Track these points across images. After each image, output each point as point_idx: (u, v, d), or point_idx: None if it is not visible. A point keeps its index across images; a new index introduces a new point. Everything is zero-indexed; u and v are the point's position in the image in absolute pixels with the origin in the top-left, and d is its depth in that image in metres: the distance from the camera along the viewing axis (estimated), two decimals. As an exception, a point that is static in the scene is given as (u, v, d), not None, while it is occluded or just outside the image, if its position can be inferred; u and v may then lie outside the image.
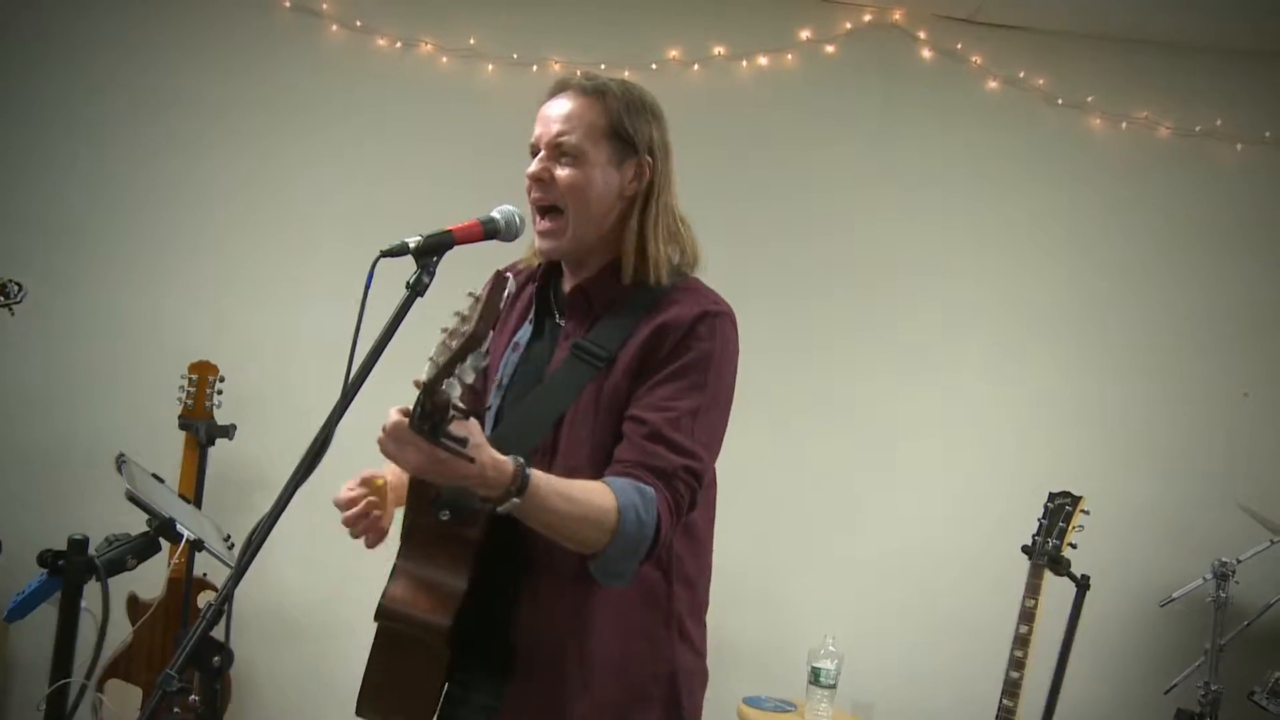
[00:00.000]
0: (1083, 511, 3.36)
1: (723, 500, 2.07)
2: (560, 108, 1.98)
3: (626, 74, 3.96)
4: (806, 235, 4.30)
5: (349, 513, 1.92)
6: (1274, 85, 4.36)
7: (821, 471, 4.26)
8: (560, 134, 1.96)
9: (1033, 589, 3.23)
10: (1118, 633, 4.17)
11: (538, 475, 1.73)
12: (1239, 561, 3.49)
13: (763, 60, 4.30)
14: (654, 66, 4.19)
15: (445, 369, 1.54)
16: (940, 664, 4.15)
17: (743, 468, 2.72)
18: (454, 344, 1.54)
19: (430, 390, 1.56)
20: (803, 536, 4.25)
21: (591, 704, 1.90)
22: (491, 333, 1.56)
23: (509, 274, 1.58)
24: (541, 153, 1.98)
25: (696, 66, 4.26)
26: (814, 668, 3.67)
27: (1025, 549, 3.27)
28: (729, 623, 3.40)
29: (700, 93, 4.23)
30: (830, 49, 4.31)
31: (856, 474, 4.27)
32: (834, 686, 3.66)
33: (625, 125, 1.98)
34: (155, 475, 2.58)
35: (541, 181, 1.96)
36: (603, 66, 4.00)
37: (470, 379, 1.57)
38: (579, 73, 2.04)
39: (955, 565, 4.16)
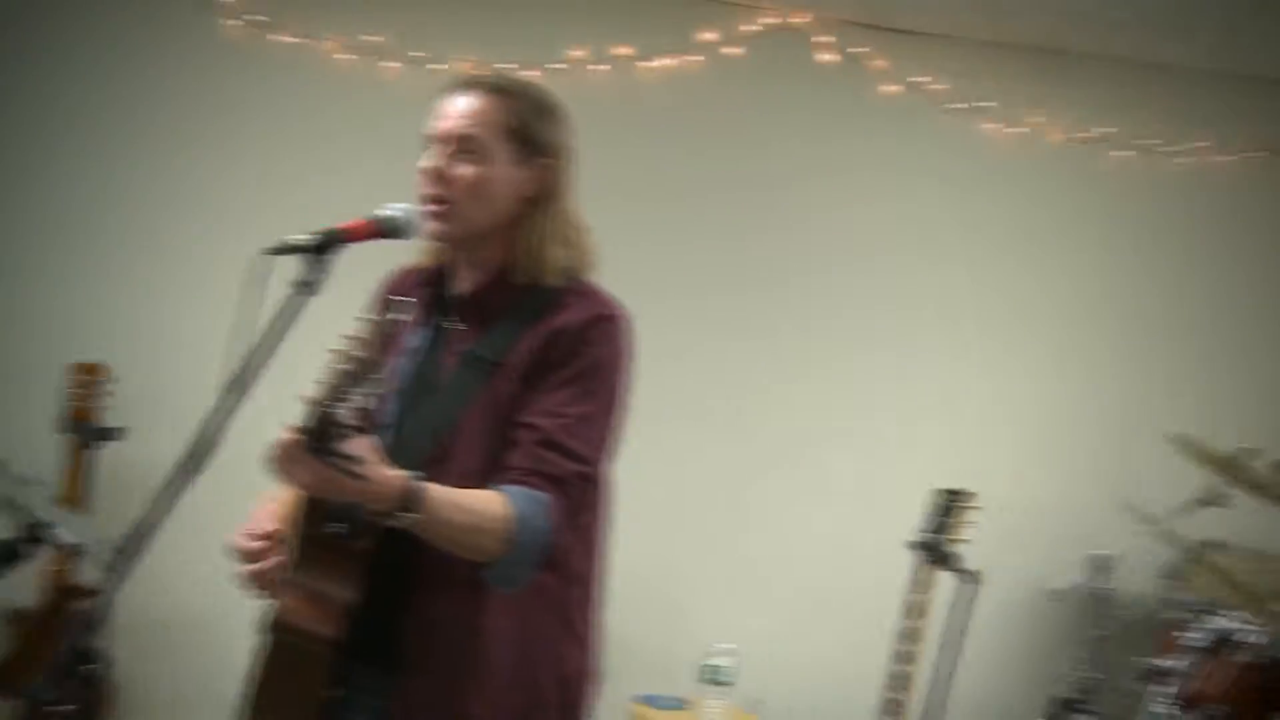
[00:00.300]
0: (973, 508, 3.42)
1: (623, 498, 2.07)
2: (464, 103, 1.95)
3: (530, 73, 3.94)
4: (713, 236, 4.34)
5: (257, 566, 1.89)
6: (1162, 96, 4.49)
7: (721, 470, 4.30)
8: (463, 129, 1.93)
9: (919, 584, 3.28)
10: (1010, 625, 4.27)
11: (430, 489, 1.74)
12: (1119, 556, 3.58)
13: (667, 61, 4.31)
14: (557, 66, 4.18)
15: (334, 391, 1.56)
16: (838, 660, 4.20)
17: (644, 466, 2.72)
18: (344, 367, 1.56)
19: (319, 410, 1.58)
20: (702, 535, 4.28)
21: (486, 709, 1.89)
22: (383, 356, 1.57)
23: (403, 297, 1.58)
24: (440, 147, 1.95)
25: (600, 67, 4.26)
26: (708, 665, 3.69)
27: (912, 545, 3.32)
28: (624, 621, 3.39)
29: (604, 93, 4.23)
30: (734, 51, 4.34)
31: (756, 472, 4.31)
32: (729, 684, 3.68)
33: (529, 126, 1.97)
34: (33, 479, 2.51)
35: (439, 177, 1.94)
36: (506, 66, 3.97)
37: (360, 402, 1.58)
38: (483, 71, 2.02)
39: (854, 562, 4.21)
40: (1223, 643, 3.19)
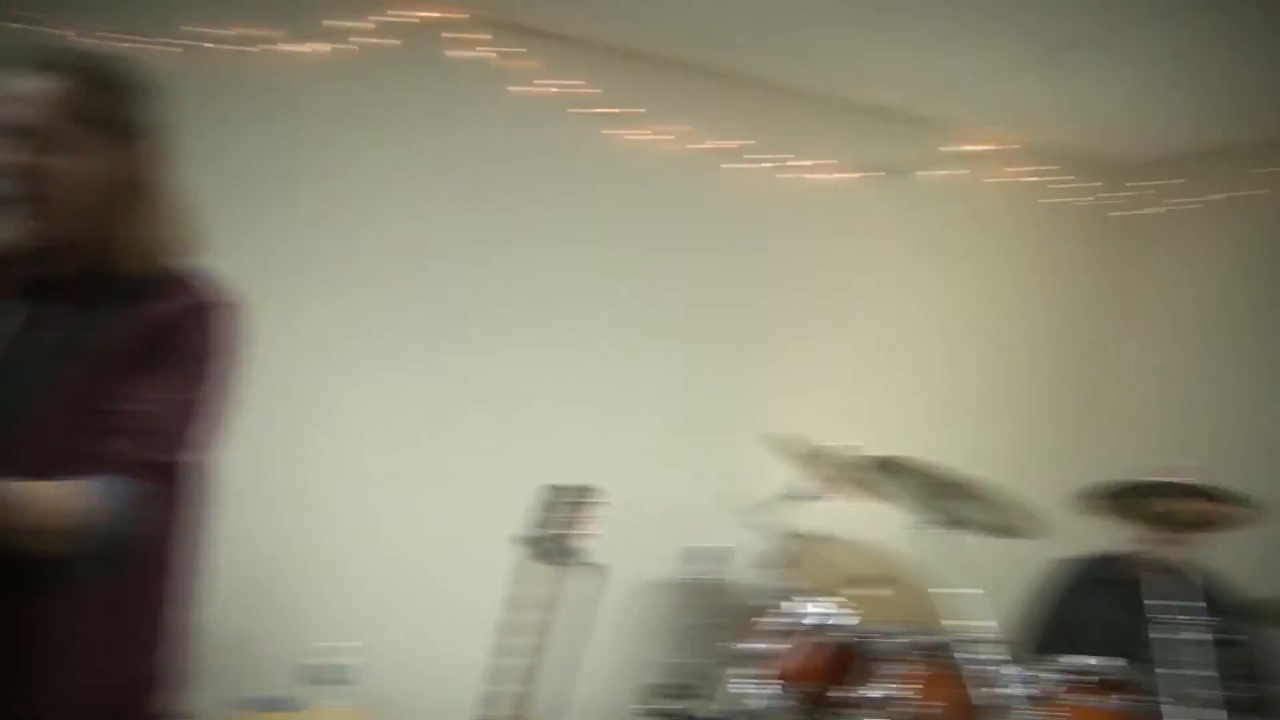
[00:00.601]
0: (594, 502, 3.52)
1: (237, 495, 2.02)
2: (37, 89, 1.82)
3: (154, 50, 3.74)
4: (342, 227, 4.26)
5: None
6: (789, 117, 4.82)
7: (339, 466, 4.23)
8: (39, 120, 1.81)
9: (530, 578, 3.34)
10: (619, 617, 4.44)
11: (3, 484, 1.65)
12: (725, 548, 3.78)
13: (308, 47, 4.18)
14: (188, 44, 3.96)
15: None
16: (464, 657, 4.22)
17: (259, 462, 2.66)
18: None
19: None
20: (321, 532, 4.18)
21: (49, 710, 1.79)
22: None
23: None
24: (14, 138, 1.81)
25: (234, 48, 4.07)
26: (327, 665, 3.64)
27: (522, 540, 3.37)
28: (236, 620, 3.32)
29: (237, 76, 4.05)
30: (380, 41, 4.26)
31: (376, 468, 4.27)
32: (350, 683, 3.64)
33: (111, 108, 1.87)
34: None
35: (20, 171, 1.81)
36: (125, 40, 3.74)
37: None
38: (57, 48, 1.90)
39: (477, 558, 4.24)
40: (814, 626, 3.44)
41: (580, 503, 3.48)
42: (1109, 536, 3.58)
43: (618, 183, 4.61)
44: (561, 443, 4.42)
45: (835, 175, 4.86)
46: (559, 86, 4.47)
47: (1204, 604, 3.07)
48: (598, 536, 3.41)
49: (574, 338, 4.56)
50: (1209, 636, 2.98)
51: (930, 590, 3.27)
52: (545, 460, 4.02)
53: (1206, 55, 4.04)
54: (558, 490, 3.52)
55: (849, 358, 4.92)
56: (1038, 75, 4.39)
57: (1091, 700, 3.00)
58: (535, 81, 4.44)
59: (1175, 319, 5.12)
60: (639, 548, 4.40)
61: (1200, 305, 5.02)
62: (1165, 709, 2.90)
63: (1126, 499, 3.24)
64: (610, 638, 4.35)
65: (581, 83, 4.49)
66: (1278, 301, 4.68)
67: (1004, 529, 3.28)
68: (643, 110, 4.58)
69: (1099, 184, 5.24)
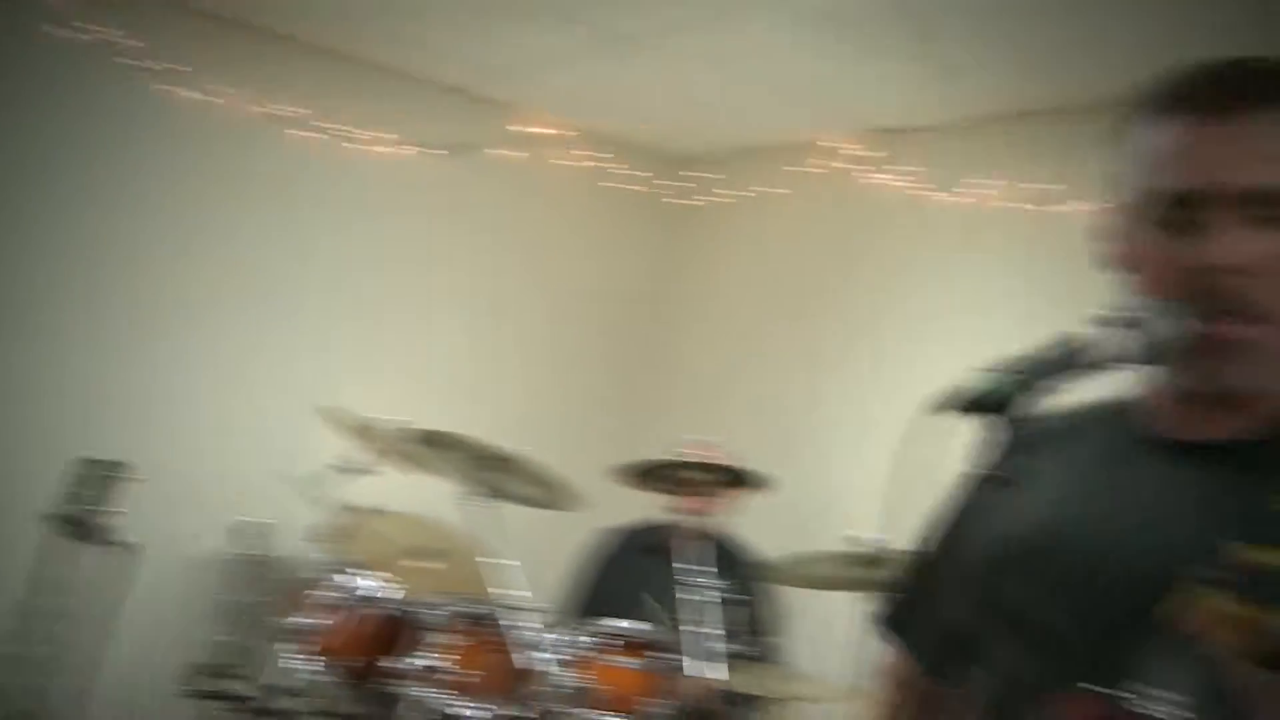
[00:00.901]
0: (129, 477, 3.35)
1: None
2: None
3: None
4: None
5: None
6: (359, 91, 4.78)
7: None
8: None
9: (57, 558, 3.16)
10: (162, 595, 4.24)
11: None
12: (268, 523, 3.73)
13: None
14: None
15: None
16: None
17: None
18: None
19: None
20: None
21: None
22: None
23: None
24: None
25: None
26: None
27: (48, 518, 3.18)
28: None
29: None
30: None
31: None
32: None
33: None
34: None
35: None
36: None
37: None
38: None
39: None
40: (360, 599, 3.44)
41: (114, 477, 3.30)
42: (646, 507, 3.81)
43: (167, 142, 4.39)
44: (97, 414, 4.16)
45: (397, 149, 4.84)
46: (96, 34, 4.16)
47: (722, 567, 3.36)
48: (131, 513, 3.25)
49: (117, 302, 4.29)
50: (724, 597, 3.26)
51: (477, 561, 3.36)
52: (78, 432, 3.76)
53: (748, 59, 4.37)
54: (90, 464, 3.33)
55: (405, 331, 4.93)
56: (595, 65, 4.59)
57: (620, 660, 3.19)
58: (73, 25, 4.11)
59: (718, 304, 5.51)
60: (183, 522, 4.23)
61: (739, 292, 5.43)
62: (685, 664, 3.15)
63: (658, 472, 3.47)
64: (152, 617, 4.15)
65: (122, 33, 4.21)
66: (801, 291, 5.14)
67: (546, 501, 3.43)
68: (190, 68, 4.37)
69: (651, 173, 5.53)
